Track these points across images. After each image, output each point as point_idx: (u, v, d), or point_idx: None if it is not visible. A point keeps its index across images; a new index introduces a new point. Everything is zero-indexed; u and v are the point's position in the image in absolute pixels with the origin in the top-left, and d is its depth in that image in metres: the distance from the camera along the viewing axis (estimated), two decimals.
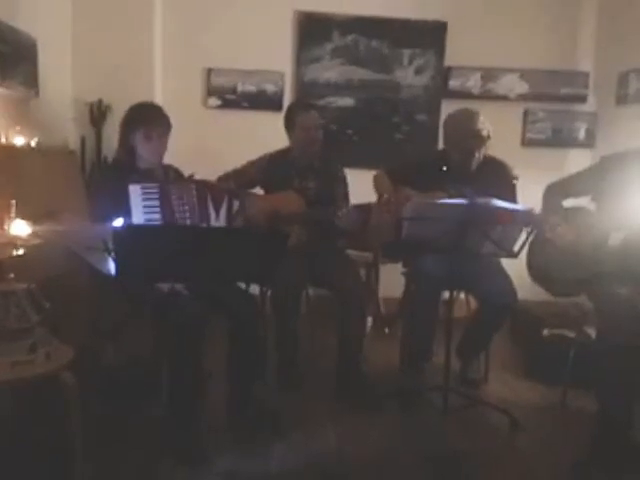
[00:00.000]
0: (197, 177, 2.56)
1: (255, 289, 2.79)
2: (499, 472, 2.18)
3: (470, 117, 2.69)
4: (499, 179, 2.75)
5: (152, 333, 2.29)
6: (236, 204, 2.43)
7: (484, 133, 2.66)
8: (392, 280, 3.22)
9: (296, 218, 2.76)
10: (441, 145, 3.62)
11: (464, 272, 2.47)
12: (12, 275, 1.80)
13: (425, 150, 3.93)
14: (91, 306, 2.35)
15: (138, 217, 2.18)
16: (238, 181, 2.81)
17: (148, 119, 2.33)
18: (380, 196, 2.81)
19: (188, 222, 2.29)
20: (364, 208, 2.72)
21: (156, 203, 2.22)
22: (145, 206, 2.20)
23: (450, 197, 2.54)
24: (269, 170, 2.90)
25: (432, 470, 2.16)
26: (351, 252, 3.24)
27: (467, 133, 2.67)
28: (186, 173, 2.59)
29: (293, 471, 2.13)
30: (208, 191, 2.36)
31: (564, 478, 2.13)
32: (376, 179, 2.94)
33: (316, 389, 2.78)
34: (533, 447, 2.34)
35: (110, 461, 2.06)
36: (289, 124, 2.90)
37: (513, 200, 2.65)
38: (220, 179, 2.83)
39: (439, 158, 2.86)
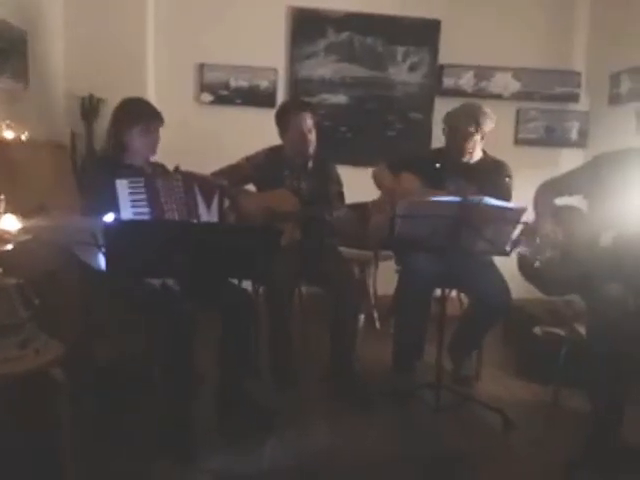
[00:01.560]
0: (187, 171, 2.54)
1: (247, 286, 2.78)
2: (491, 470, 2.18)
3: (463, 110, 2.75)
4: (497, 178, 2.76)
5: (144, 329, 2.27)
6: (227, 201, 2.42)
7: (471, 129, 2.69)
8: (388, 278, 3.21)
9: (290, 216, 2.75)
10: (434, 142, 3.66)
11: (457, 271, 2.47)
12: (0, 270, 1.77)
13: (418, 148, 3.92)
14: (82, 302, 2.33)
15: (126, 212, 2.17)
16: (232, 177, 2.78)
17: (148, 114, 2.35)
18: (381, 189, 2.84)
19: (177, 215, 2.28)
20: (359, 207, 2.72)
21: (143, 197, 2.21)
22: (133, 200, 2.19)
23: (449, 194, 2.55)
24: (263, 167, 2.88)
25: (425, 468, 2.16)
26: (349, 250, 3.24)
27: (458, 125, 2.72)
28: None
29: (286, 469, 2.12)
30: (195, 183, 2.35)
31: (557, 477, 2.13)
32: (376, 174, 2.94)
33: (309, 387, 2.77)
34: (525, 445, 2.35)
35: (103, 459, 2.04)
36: (282, 124, 2.85)
37: (508, 200, 2.66)
38: (213, 175, 2.81)
39: (436, 155, 2.88)
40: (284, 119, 2.85)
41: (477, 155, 2.81)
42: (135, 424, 2.30)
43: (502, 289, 2.66)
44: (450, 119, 2.79)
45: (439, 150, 2.92)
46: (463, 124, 2.71)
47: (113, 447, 2.12)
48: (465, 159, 2.78)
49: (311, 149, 2.84)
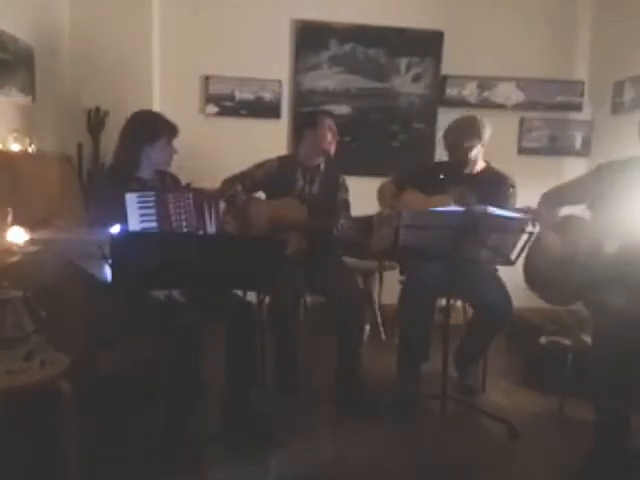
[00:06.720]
0: (194, 185, 2.57)
1: (252, 297, 2.79)
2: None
3: (462, 125, 2.81)
4: (499, 188, 2.78)
5: (149, 341, 2.28)
6: (222, 205, 2.43)
7: (473, 142, 2.75)
8: (392, 287, 3.21)
9: (297, 225, 2.76)
10: (438, 152, 3.68)
11: (459, 279, 2.47)
12: (6, 283, 1.78)
13: (422, 158, 3.97)
14: (88, 314, 2.34)
15: (135, 226, 2.18)
16: (244, 183, 2.83)
17: (169, 127, 2.37)
18: (380, 205, 2.87)
19: (185, 230, 2.29)
20: (364, 220, 2.74)
21: (152, 212, 2.22)
22: (142, 215, 2.20)
23: (454, 201, 2.60)
24: (275, 174, 2.90)
25: (430, 477, 2.15)
26: (353, 260, 3.24)
27: (460, 141, 2.77)
28: (183, 181, 2.60)
29: (291, 479, 2.12)
30: (205, 199, 2.36)
31: None
32: (381, 189, 3.00)
33: (314, 397, 2.77)
34: (531, 455, 2.33)
35: (107, 469, 2.04)
36: (311, 122, 2.89)
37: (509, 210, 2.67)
38: (226, 182, 2.84)
39: (439, 166, 2.96)
40: (314, 117, 2.91)
41: (479, 166, 2.86)
42: (139, 434, 2.30)
43: (503, 298, 2.66)
44: (450, 136, 2.84)
45: (443, 162, 2.97)
46: (464, 139, 2.76)
47: (117, 457, 2.12)
48: (467, 170, 2.83)
49: (332, 150, 2.89)
